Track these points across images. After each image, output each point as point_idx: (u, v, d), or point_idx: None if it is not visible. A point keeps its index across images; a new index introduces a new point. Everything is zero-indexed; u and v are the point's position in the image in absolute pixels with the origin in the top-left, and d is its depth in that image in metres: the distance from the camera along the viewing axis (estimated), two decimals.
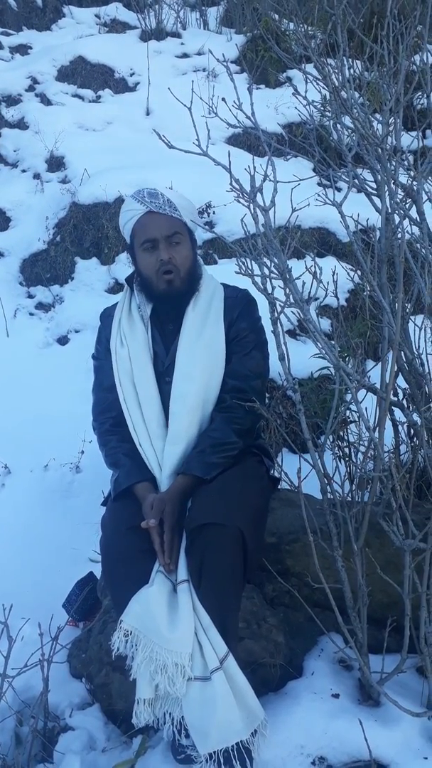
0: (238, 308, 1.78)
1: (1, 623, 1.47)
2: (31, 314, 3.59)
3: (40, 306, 3.63)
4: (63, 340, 3.39)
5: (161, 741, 1.48)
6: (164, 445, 1.63)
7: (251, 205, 1.52)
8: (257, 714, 1.34)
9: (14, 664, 1.48)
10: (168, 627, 1.34)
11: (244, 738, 1.31)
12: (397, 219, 1.63)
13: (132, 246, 1.79)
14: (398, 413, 1.85)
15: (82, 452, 2.63)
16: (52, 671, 1.58)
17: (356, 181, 1.73)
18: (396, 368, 1.54)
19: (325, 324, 2.94)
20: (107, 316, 1.88)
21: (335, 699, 1.49)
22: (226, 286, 1.84)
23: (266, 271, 1.51)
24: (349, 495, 1.68)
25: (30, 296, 3.69)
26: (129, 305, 1.83)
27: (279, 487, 1.90)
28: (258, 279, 1.51)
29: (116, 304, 1.88)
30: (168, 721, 1.35)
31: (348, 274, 2.10)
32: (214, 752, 1.30)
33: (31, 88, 4.87)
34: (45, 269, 3.71)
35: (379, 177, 1.66)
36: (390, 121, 1.72)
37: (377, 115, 1.81)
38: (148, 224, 1.72)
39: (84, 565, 2.02)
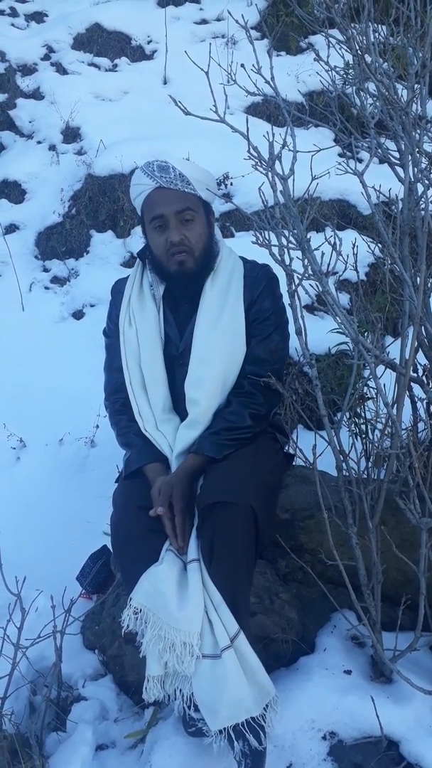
0: (260, 287, 1.68)
1: (15, 595, 1.48)
2: (47, 288, 3.58)
3: (56, 280, 3.61)
4: (78, 315, 3.37)
5: (173, 712, 1.49)
6: (174, 429, 1.59)
7: (269, 173, 1.47)
8: (268, 690, 1.34)
9: (28, 635, 1.49)
10: (177, 606, 1.33)
11: (254, 715, 1.30)
12: (420, 189, 1.58)
13: (143, 221, 1.69)
14: (417, 390, 1.81)
15: (97, 426, 2.63)
16: (65, 643, 1.59)
17: (379, 150, 1.67)
18: (416, 344, 1.51)
19: (344, 299, 2.89)
20: (117, 291, 1.78)
21: (347, 675, 1.49)
22: (245, 261, 1.74)
23: (284, 242, 1.46)
24: (365, 472, 1.66)
25: (45, 270, 3.67)
26: (140, 282, 1.73)
27: (294, 463, 1.88)
28: (275, 250, 1.47)
29: (128, 277, 1.78)
30: (178, 697, 1.35)
31: (369, 247, 2.04)
32: (225, 728, 1.29)
33: (46, 57, 4.79)
34: (60, 243, 3.68)
35: (403, 145, 1.60)
36: (415, 87, 1.65)
37: (402, 82, 1.74)
38: (157, 201, 1.60)
39: (98, 539, 2.03)
